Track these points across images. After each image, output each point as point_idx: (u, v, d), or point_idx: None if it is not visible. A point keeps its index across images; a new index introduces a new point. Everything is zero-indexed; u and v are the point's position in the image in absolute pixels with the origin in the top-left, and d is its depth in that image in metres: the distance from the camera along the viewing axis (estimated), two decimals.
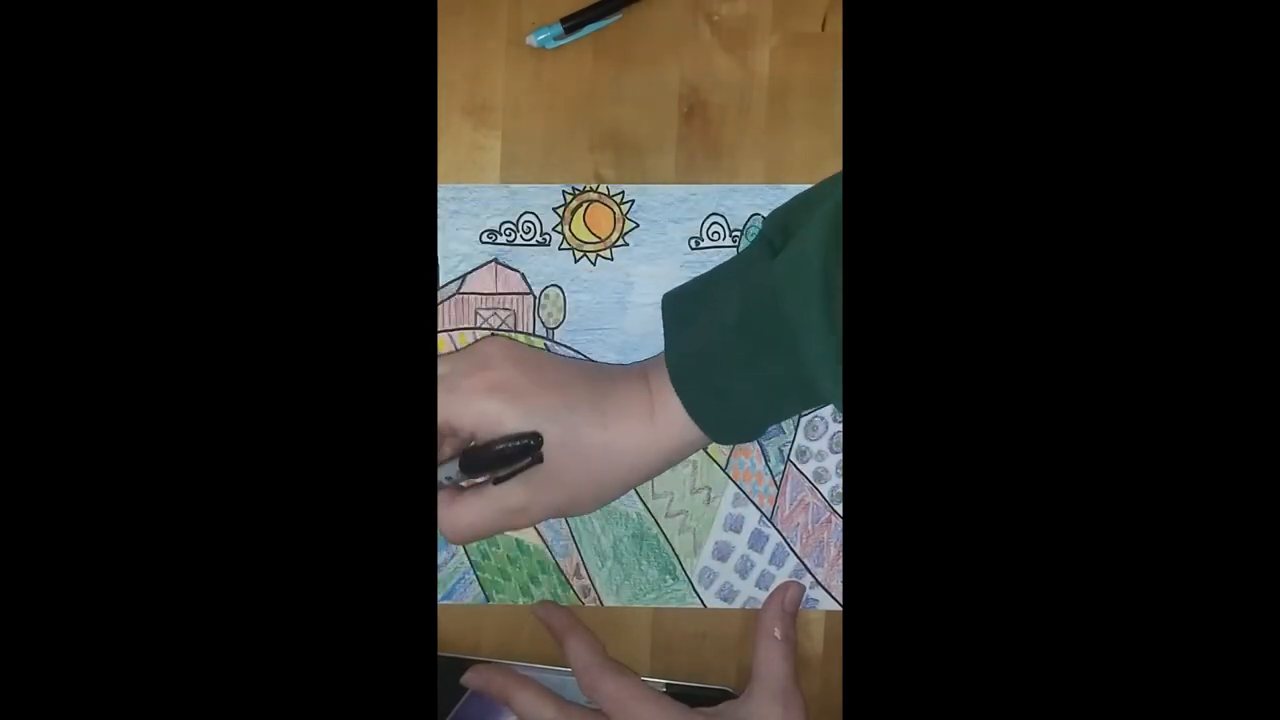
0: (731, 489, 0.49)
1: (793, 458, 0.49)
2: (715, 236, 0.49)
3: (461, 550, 0.49)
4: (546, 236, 0.49)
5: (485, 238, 0.49)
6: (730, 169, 0.49)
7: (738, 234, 0.49)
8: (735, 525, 0.49)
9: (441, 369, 0.44)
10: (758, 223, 0.49)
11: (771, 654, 0.45)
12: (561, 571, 0.49)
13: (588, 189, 0.49)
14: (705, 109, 0.49)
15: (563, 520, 0.49)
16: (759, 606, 0.48)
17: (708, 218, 0.49)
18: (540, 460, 0.41)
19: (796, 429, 0.49)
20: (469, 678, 0.47)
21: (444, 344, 0.49)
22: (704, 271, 0.46)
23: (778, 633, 0.46)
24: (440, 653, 0.48)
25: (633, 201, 0.49)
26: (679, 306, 0.44)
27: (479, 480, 0.43)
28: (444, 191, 0.49)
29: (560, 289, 0.49)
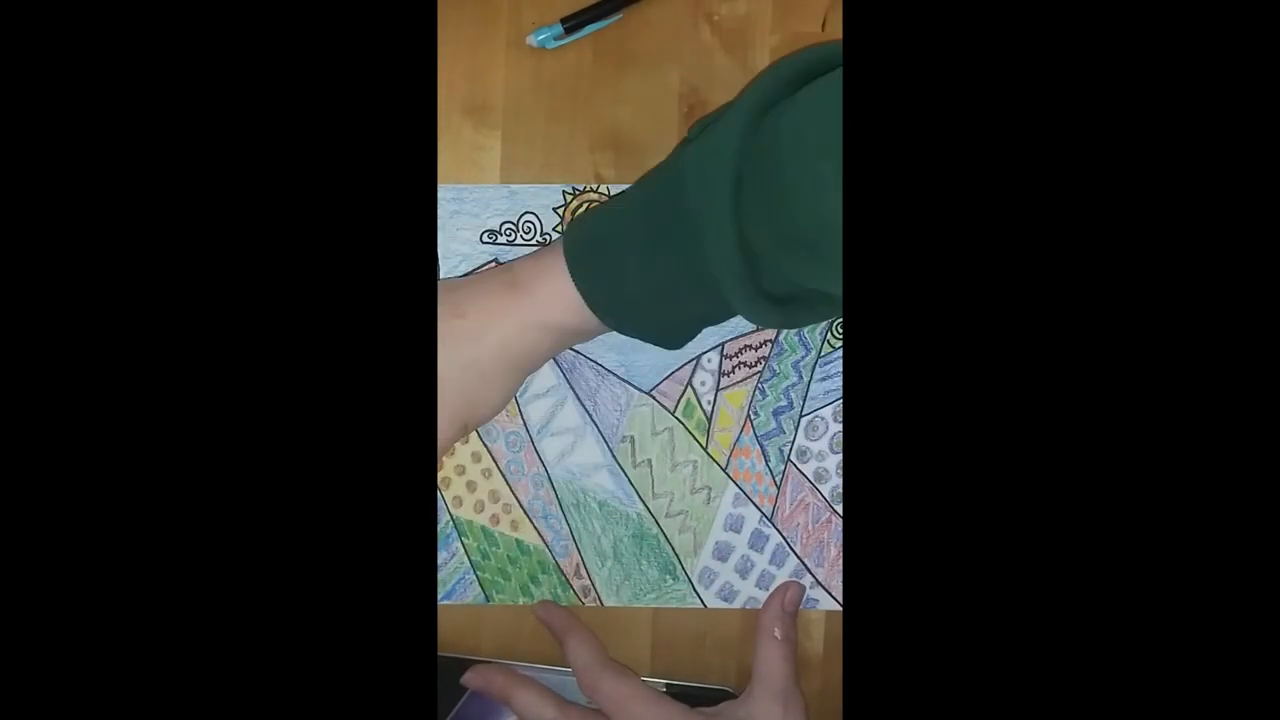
0: (731, 489, 0.49)
1: (793, 458, 0.49)
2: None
3: (461, 550, 0.49)
4: (546, 236, 0.49)
5: (485, 238, 0.49)
6: None
7: None
8: (735, 525, 0.49)
9: None
10: None
11: (771, 654, 0.45)
12: (561, 571, 0.49)
13: (588, 189, 0.49)
14: (705, 109, 0.49)
15: (563, 520, 0.49)
16: (759, 606, 0.48)
17: None
18: None
19: (796, 429, 0.49)
20: (469, 678, 0.47)
21: None
22: None
23: (778, 633, 0.46)
24: (440, 653, 0.48)
25: None
26: (585, 214, 0.44)
27: None
28: (444, 191, 0.49)
29: None
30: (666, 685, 0.48)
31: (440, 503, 0.49)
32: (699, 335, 0.46)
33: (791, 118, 0.37)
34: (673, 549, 0.49)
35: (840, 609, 0.49)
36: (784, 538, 0.49)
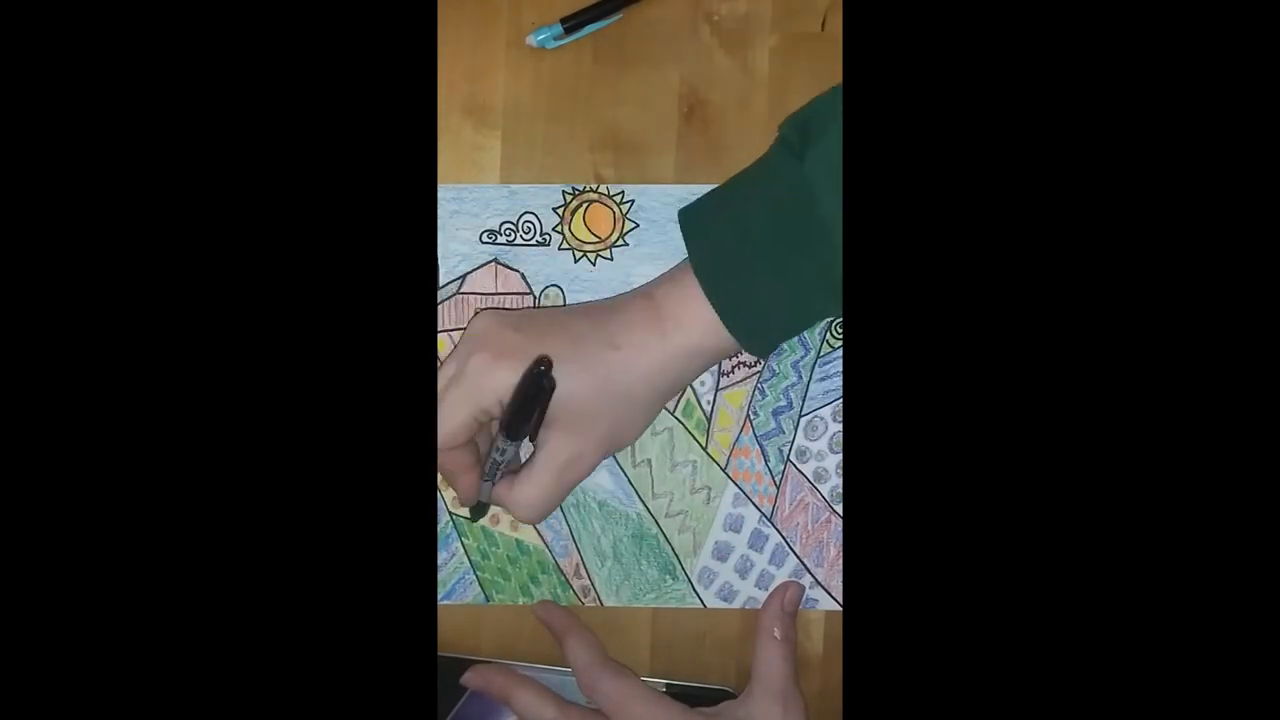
0: (731, 489, 0.49)
1: (793, 458, 0.49)
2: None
3: (461, 550, 0.49)
4: (546, 236, 0.49)
5: (485, 238, 0.49)
6: (730, 169, 0.49)
7: None
8: (735, 525, 0.49)
9: (448, 369, 0.44)
10: None
11: (771, 654, 0.45)
12: (561, 571, 0.49)
13: (588, 189, 0.49)
14: (705, 109, 0.49)
15: (563, 520, 0.49)
16: (759, 606, 0.48)
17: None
18: (553, 383, 0.41)
19: (796, 429, 0.49)
20: (469, 678, 0.47)
21: (444, 344, 0.49)
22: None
23: (777, 633, 0.46)
24: (440, 653, 0.48)
25: (633, 201, 0.49)
26: (698, 218, 0.44)
27: (524, 440, 0.44)
28: (444, 191, 0.49)
29: (560, 289, 0.49)
30: (666, 685, 0.48)
31: (440, 503, 0.49)
32: None
33: None
34: (672, 549, 0.49)
35: (840, 609, 0.49)
36: (783, 538, 0.49)
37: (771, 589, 0.48)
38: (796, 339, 0.49)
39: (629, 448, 0.48)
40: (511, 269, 0.49)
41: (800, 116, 0.43)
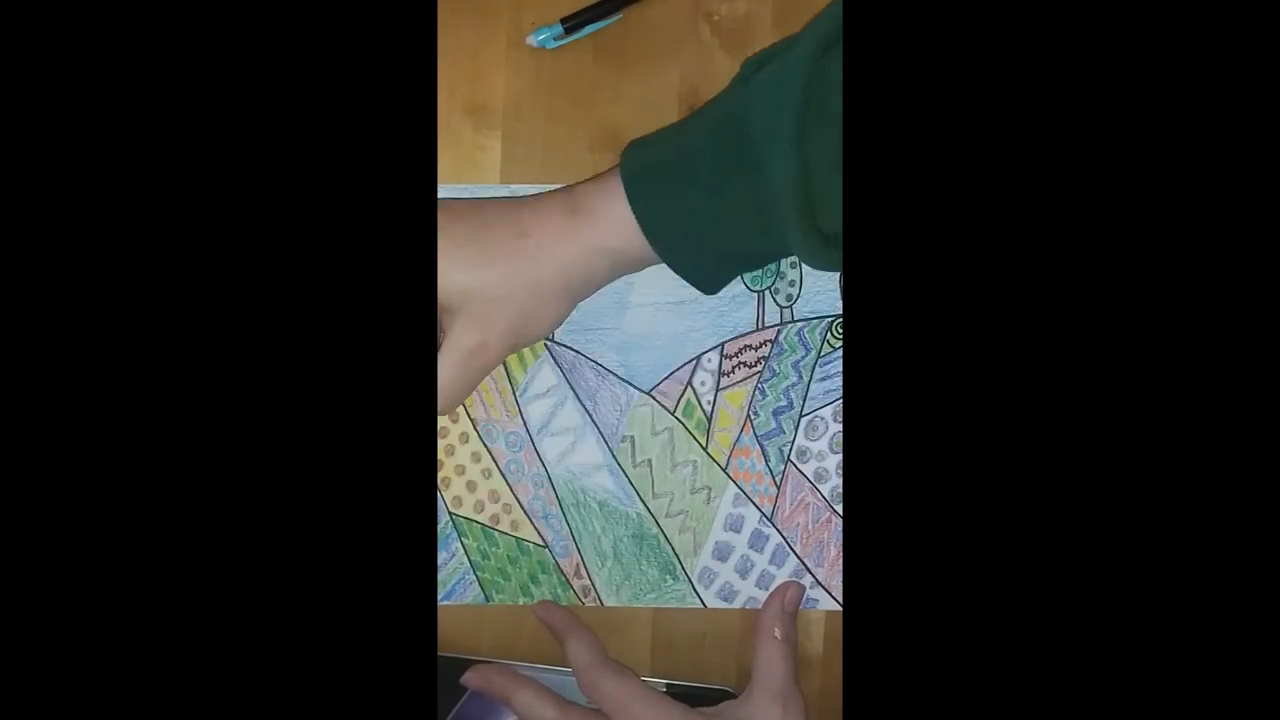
0: (731, 489, 0.49)
1: (793, 458, 0.49)
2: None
3: (461, 550, 0.49)
4: None
5: None
6: None
7: None
8: (735, 525, 0.49)
9: None
10: None
11: (771, 654, 0.45)
12: (561, 571, 0.49)
13: None
14: None
15: (563, 520, 0.49)
16: (759, 606, 0.48)
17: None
18: None
19: (796, 429, 0.49)
20: (469, 678, 0.47)
21: None
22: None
23: (778, 633, 0.46)
24: (440, 653, 0.48)
25: None
26: (640, 141, 0.44)
27: None
28: (444, 191, 0.49)
29: None
30: (666, 685, 0.48)
31: (440, 503, 0.49)
32: (699, 335, 0.46)
33: None
34: (673, 549, 0.49)
35: (840, 609, 0.49)
36: (784, 538, 0.49)
37: (772, 589, 0.48)
38: (796, 339, 0.49)
39: (629, 447, 0.48)
40: None
41: (763, 53, 0.43)
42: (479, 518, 0.49)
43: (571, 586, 0.49)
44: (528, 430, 0.49)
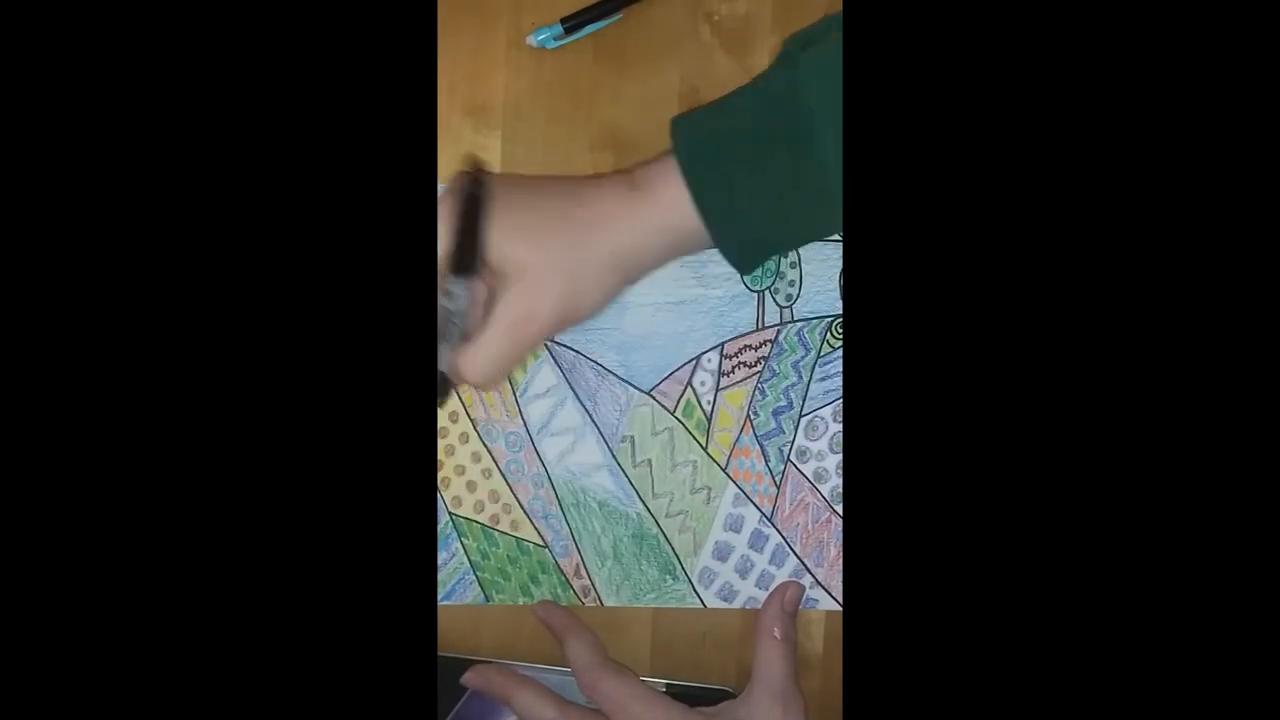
0: (731, 489, 0.49)
1: (793, 458, 0.49)
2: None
3: (461, 550, 0.49)
4: None
5: None
6: None
7: None
8: (735, 525, 0.49)
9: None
10: None
11: (771, 654, 0.45)
12: (561, 571, 0.49)
13: None
14: None
15: (563, 520, 0.49)
16: (759, 606, 0.48)
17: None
18: (485, 188, 0.39)
19: (796, 429, 0.49)
20: (469, 678, 0.47)
21: None
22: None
23: (777, 633, 0.46)
24: (440, 653, 0.48)
25: None
26: (690, 119, 0.43)
27: (472, 278, 0.41)
28: (444, 191, 0.49)
29: None
30: (666, 685, 0.48)
31: (440, 503, 0.49)
32: (699, 335, 0.46)
33: None
34: (672, 549, 0.49)
35: (840, 609, 0.49)
36: (784, 538, 0.49)
37: (772, 589, 0.48)
38: (796, 339, 0.49)
39: (629, 447, 0.48)
40: None
41: (804, 32, 0.43)
42: (479, 518, 0.49)
43: (571, 586, 0.49)
44: (528, 430, 0.49)
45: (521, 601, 0.49)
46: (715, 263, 0.47)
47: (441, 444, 0.49)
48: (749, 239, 0.43)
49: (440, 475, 0.49)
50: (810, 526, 0.49)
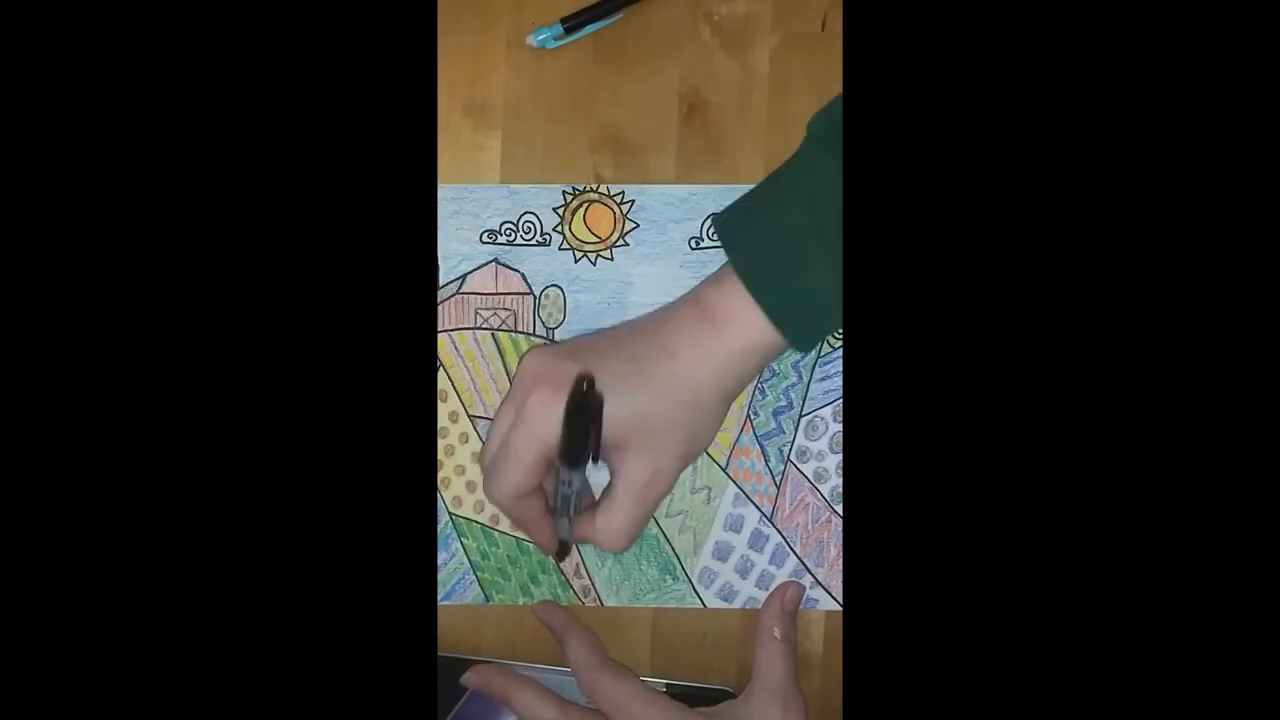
0: (731, 489, 0.49)
1: (793, 458, 0.49)
2: (715, 237, 0.49)
3: (461, 550, 0.49)
4: (547, 237, 0.49)
5: (485, 238, 0.49)
6: (730, 169, 0.49)
7: None
8: (735, 525, 0.49)
9: (504, 416, 0.43)
10: None
11: (771, 654, 0.45)
12: (561, 571, 0.49)
13: (588, 189, 0.49)
14: (705, 109, 0.49)
15: None
16: (759, 606, 0.48)
17: (708, 218, 0.49)
18: (600, 399, 0.40)
19: (796, 429, 0.49)
20: (469, 678, 0.47)
21: (443, 344, 0.49)
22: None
23: (777, 633, 0.46)
24: (440, 653, 0.48)
25: (633, 202, 0.49)
26: (734, 221, 0.44)
27: (588, 468, 0.43)
28: (444, 191, 0.49)
29: (560, 289, 0.49)
30: (666, 685, 0.48)
31: (440, 503, 0.49)
32: None
33: None
34: (673, 549, 0.49)
35: (840, 609, 0.49)
36: (784, 538, 0.49)
37: (772, 589, 0.48)
38: None
39: None
40: (512, 269, 0.49)
41: (830, 112, 0.43)
42: (479, 518, 0.49)
43: (571, 586, 0.49)
44: None
45: (521, 601, 0.49)
46: (715, 264, 0.47)
47: (441, 444, 0.49)
48: (816, 329, 0.44)
49: (440, 475, 0.49)
50: (810, 526, 0.49)
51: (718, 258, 0.48)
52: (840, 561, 0.49)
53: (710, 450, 0.49)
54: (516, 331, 0.49)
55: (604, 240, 0.49)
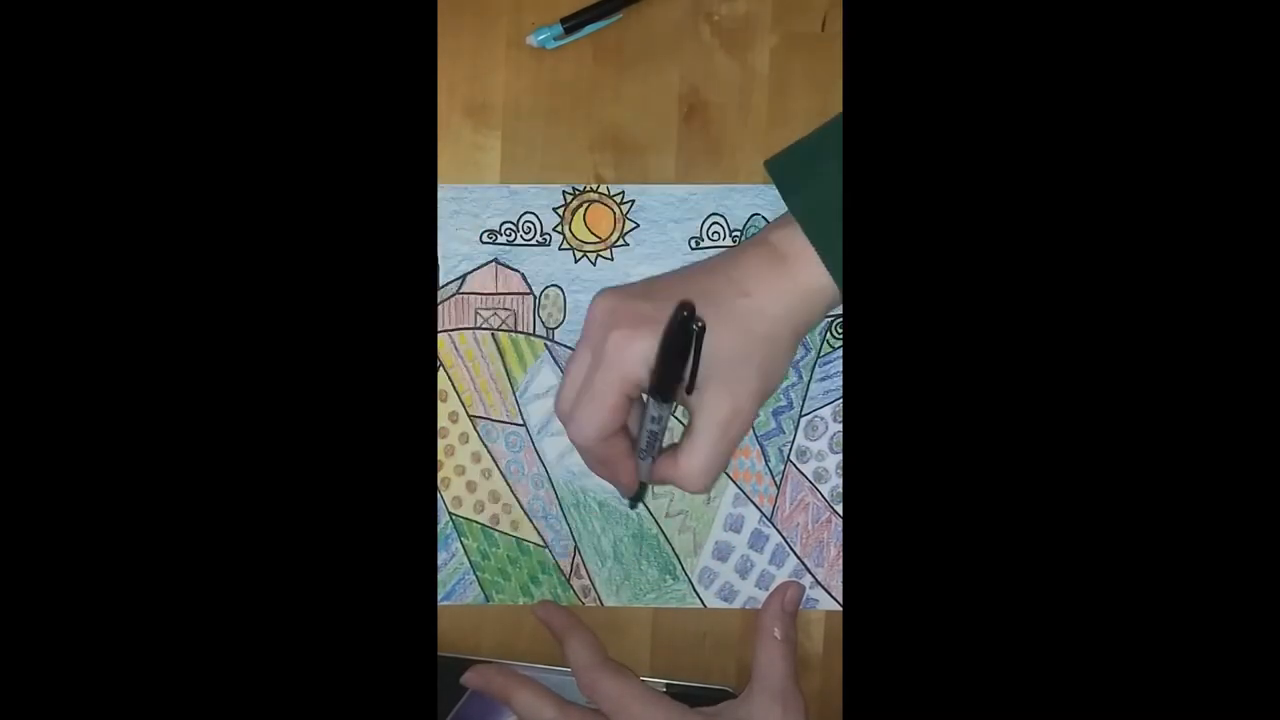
0: (731, 489, 0.49)
1: (793, 458, 0.49)
2: (715, 236, 0.49)
3: (461, 550, 0.49)
4: (547, 236, 0.49)
5: (485, 238, 0.49)
6: (730, 169, 0.49)
7: (738, 234, 0.49)
8: (735, 525, 0.49)
9: (581, 358, 0.43)
10: (758, 222, 0.49)
11: (771, 654, 0.45)
12: (561, 571, 0.49)
13: (588, 189, 0.49)
14: (705, 109, 0.49)
15: (563, 520, 0.49)
16: (759, 606, 0.48)
17: (708, 218, 0.49)
18: (703, 324, 0.39)
19: (796, 429, 0.49)
20: (469, 678, 0.47)
21: (443, 344, 0.49)
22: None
23: (777, 633, 0.46)
24: (440, 653, 0.48)
25: (633, 201, 0.49)
26: (787, 167, 0.44)
27: (676, 402, 0.42)
28: (444, 191, 0.49)
29: (560, 289, 0.49)
30: (666, 685, 0.48)
31: (440, 503, 0.49)
32: None
33: None
34: (672, 549, 0.49)
35: (840, 609, 0.49)
36: (784, 538, 0.49)
37: (772, 589, 0.48)
38: None
39: None
40: (512, 269, 0.49)
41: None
42: (479, 518, 0.49)
43: (571, 586, 0.49)
44: (528, 430, 0.49)
45: (521, 601, 0.49)
46: None
47: (441, 444, 0.49)
48: None
49: (440, 475, 0.49)
50: (810, 526, 0.49)
51: None
52: (840, 561, 0.49)
53: None
54: (516, 331, 0.49)
55: (604, 240, 0.49)
